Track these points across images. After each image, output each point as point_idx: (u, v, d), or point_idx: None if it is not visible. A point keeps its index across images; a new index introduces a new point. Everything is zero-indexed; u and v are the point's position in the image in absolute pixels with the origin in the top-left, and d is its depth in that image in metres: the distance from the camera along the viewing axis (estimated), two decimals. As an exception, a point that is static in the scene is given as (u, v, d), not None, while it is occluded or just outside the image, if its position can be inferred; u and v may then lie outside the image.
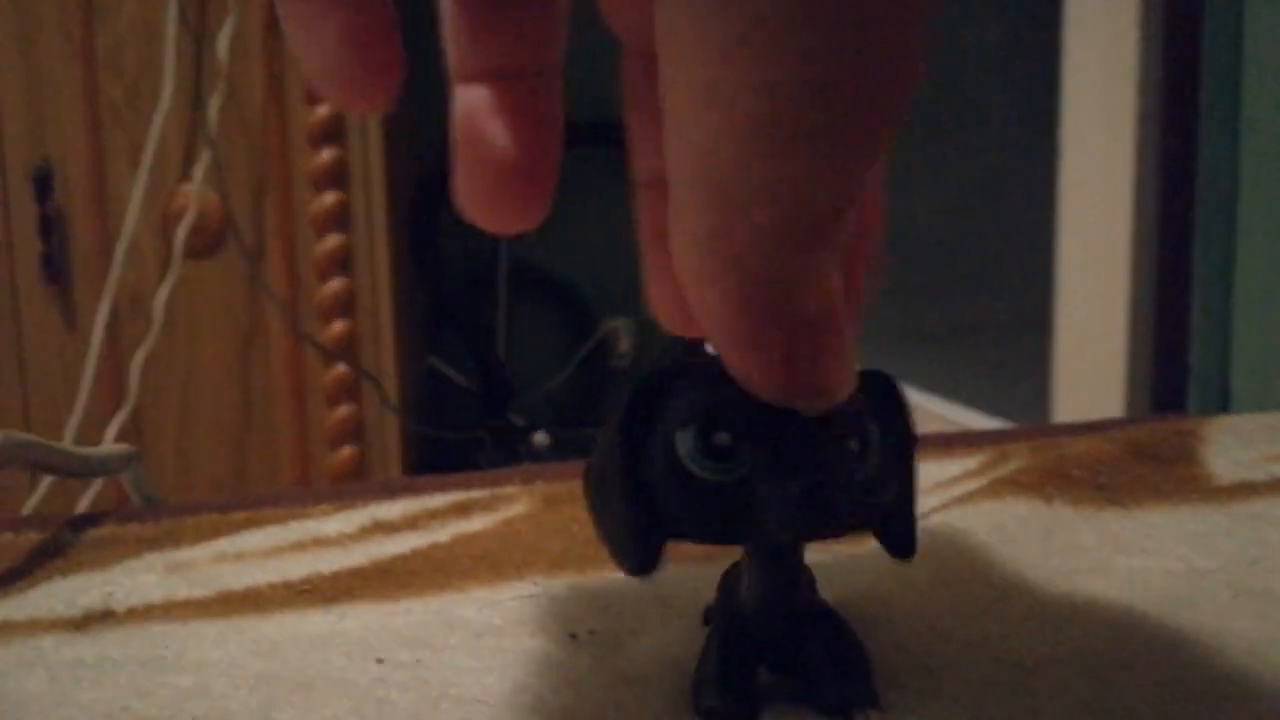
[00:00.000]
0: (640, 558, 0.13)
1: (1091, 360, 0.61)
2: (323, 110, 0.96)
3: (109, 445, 0.28)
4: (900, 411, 0.14)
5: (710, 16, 0.09)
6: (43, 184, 0.98)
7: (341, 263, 1.00)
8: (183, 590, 0.20)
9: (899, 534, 0.14)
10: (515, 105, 0.15)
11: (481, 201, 0.15)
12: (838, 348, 0.11)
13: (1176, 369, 0.55)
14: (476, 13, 0.15)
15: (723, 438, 0.12)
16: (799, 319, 0.11)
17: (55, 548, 0.23)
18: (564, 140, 0.15)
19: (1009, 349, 0.75)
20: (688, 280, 0.11)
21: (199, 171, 0.97)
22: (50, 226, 0.98)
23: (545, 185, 0.15)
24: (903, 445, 0.13)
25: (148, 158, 0.97)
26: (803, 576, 0.14)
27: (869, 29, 0.09)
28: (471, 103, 0.15)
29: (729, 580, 0.15)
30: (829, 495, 0.12)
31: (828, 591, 0.17)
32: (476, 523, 0.23)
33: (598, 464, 0.14)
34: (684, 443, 0.12)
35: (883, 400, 0.13)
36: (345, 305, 1.01)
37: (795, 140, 0.09)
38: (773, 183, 0.09)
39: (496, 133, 0.14)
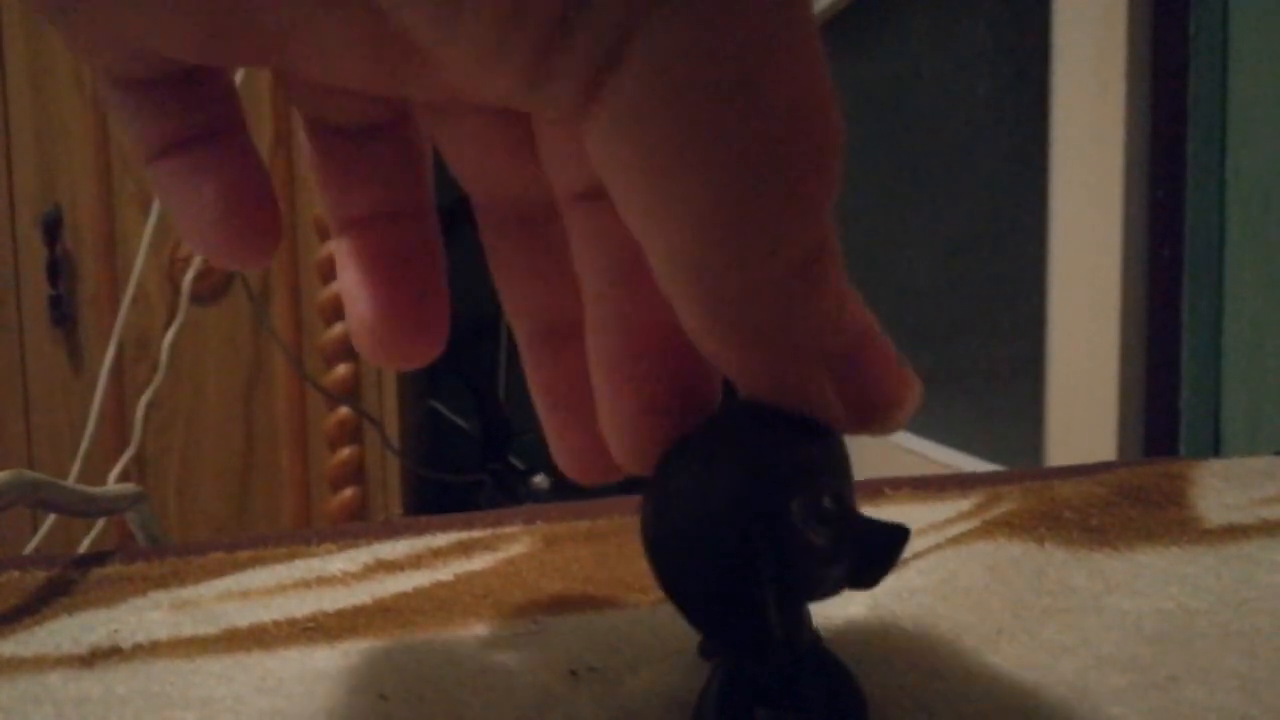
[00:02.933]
0: (786, 638, 0.12)
1: (1083, 404, 0.62)
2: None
3: (115, 485, 0.28)
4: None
5: (652, 189, 0.10)
6: (52, 228, 1.00)
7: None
8: (188, 628, 0.20)
9: (874, 563, 0.13)
10: (385, 250, 0.15)
11: (368, 348, 0.16)
12: (882, 364, 0.12)
13: (1168, 413, 0.56)
14: (338, 163, 0.15)
15: (829, 502, 0.12)
16: (832, 349, 0.11)
17: (62, 586, 0.23)
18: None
19: (1001, 393, 0.75)
20: (724, 358, 0.11)
21: (206, 216, 0.99)
22: (58, 270, 1.00)
23: (427, 323, 0.15)
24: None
25: (156, 204, 0.98)
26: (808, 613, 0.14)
27: (776, 175, 0.10)
28: (339, 258, 0.16)
29: None
30: (900, 545, 0.12)
31: (823, 628, 0.17)
32: (478, 562, 0.23)
33: (688, 517, 0.12)
34: (799, 512, 0.12)
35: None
36: (348, 349, 1.02)
37: (746, 222, 0.10)
38: (743, 254, 0.10)
39: (362, 291, 0.15)
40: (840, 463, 0.12)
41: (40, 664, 0.19)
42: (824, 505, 0.12)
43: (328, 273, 1.00)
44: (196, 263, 0.99)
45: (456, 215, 0.23)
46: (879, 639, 0.18)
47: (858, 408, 0.12)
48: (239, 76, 0.14)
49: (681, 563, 0.13)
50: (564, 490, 1.19)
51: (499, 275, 0.16)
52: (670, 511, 0.13)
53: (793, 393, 0.12)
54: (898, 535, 0.12)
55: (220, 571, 0.23)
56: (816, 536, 0.12)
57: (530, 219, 0.15)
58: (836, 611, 0.19)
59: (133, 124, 0.14)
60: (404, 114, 0.15)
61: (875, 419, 0.12)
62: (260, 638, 0.19)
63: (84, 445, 0.96)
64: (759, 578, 0.12)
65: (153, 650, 0.19)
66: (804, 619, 0.14)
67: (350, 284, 0.16)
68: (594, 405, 0.14)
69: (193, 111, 0.14)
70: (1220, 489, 0.26)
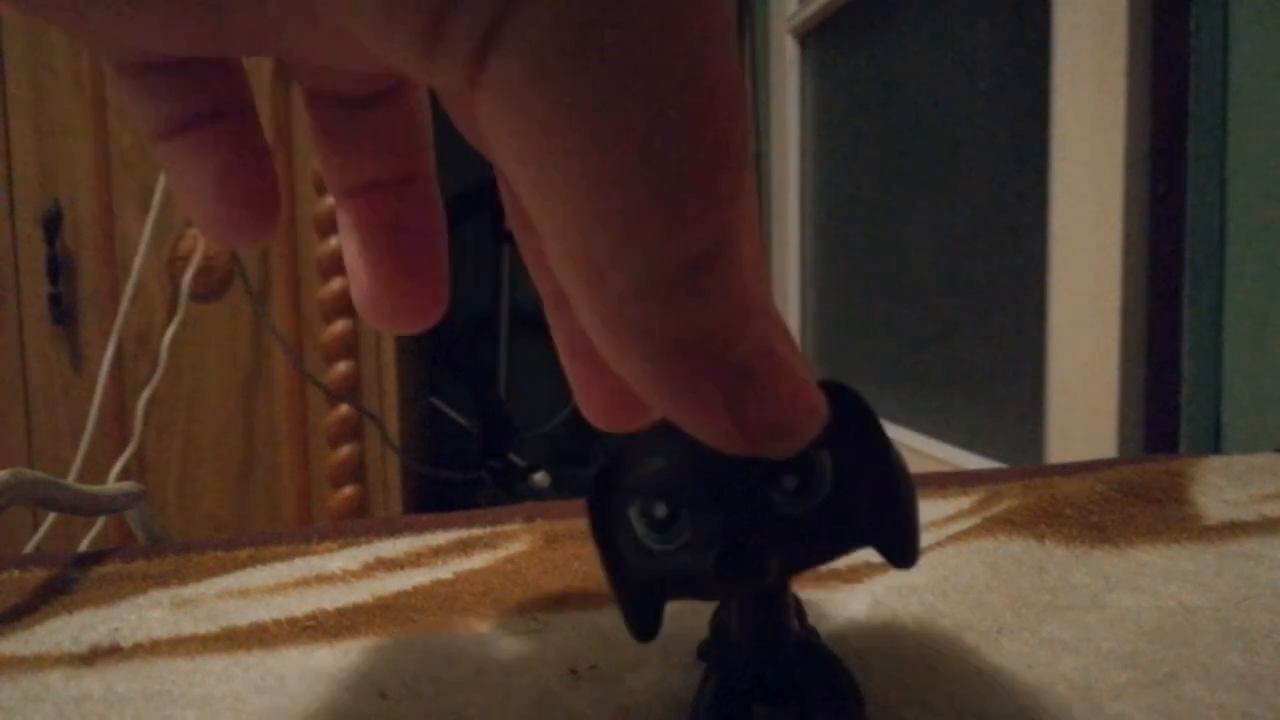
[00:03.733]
0: (641, 627, 0.13)
1: (1084, 401, 0.62)
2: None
3: (115, 483, 0.28)
4: (867, 423, 0.13)
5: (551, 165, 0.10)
6: (52, 226, 1.00)
7: (345, 305, 1.01)
8: (188, 626, 0.20)
9: (896, 544, 0.14)
10: (386, 219, 0.15)
11: (370, 315, 0.16)
12: (783, 388, 0.11)
13: (1168, 410, 0.56)
14: (338, 133, 0.15)
15: (660, 509, 0.12)
16: (726, 366, 0.10)
17: (62, 585, 0.23)
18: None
19: (1002, 390, 0.75)
20: (614, 361, 0.11)
21: (206, 214, 0.99)
22: (58, 268, 1.00)
23: (427, 289, 0.15)
24: (875, 455, 0.13)
25: (156, 201, 0.98)
26: (791, 610, 0.14)
27: (665, 151, 0.09)
28: (341, 227, 0.16)
29: (720, 618, 0.16)
30: (750, 548, 0.12)
31: (823, 627, 0.17)
32: (478, 560, 0.23)
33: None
34: (634, 518, 0.13)
35: (845, 413, 0.13)
36: (349, 347, 1.02)
37: (629, 210, 0.10)
38: (623, 250, 0.10)
39: (363, 259, 0.15)
40: (718, 474, 0.12)
41: (41, 663, 0.19)
42: (655, 514, 0.12)
43: (328, 269, 1.00)
44: (196, 261, 0.99)
45: (458, 211, 0.23)
46: (880, 636, 0.18)
47: (752, 427, 0.11)
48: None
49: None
50: (564, 488, 1.19)
51: (521, 237, 0.16)
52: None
53: (678, 405, 0.11)
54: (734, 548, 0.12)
55: (220, 570, 0.23)
56: (652, 541, 0.12)
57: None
58: (838, 609, 0.19)
59: (138, 107, 0.14)
60: (403, 83, 0.15)
61: (770, 441, 0.11)
62: (260, 636, 0.19)
63: (84, 443, 0.96)
64: (608, 573, 0.13)
65: (153, 649, 0.19)
66: (788, 616, 0.14)
67: (352, 252, 0.16)
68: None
69: (197, 93, 0.14)
70: (1221, 486, 0.26)
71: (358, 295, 0.16)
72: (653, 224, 0.10)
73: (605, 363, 0.14)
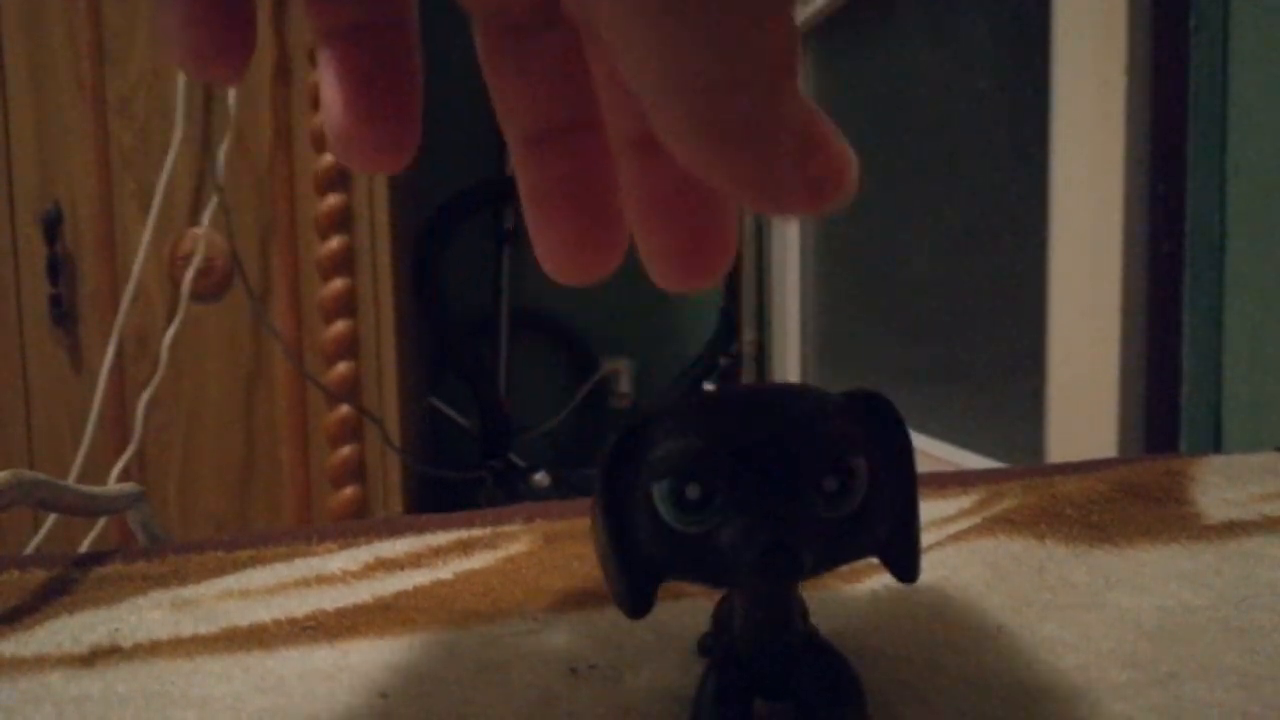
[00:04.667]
0: (633, 602, 0.13)
1: (1084, 400, 0.62)
2: (329, 158, 0.98)
3: (115, 484, 0.28)
4: (897, 434, 0.13)
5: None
6: (52, 226, 1.00)
7: (346, 306, 1.01)
8: (188, 627, 0.20)
9: (901, 557, 0.14)
10: (366, 60, 0.15)
11: (341, 150, 0.16)
12: (834, 147, 0.12)
13: (1168, 409, 0.56)
14: None
15: (693, 491, 0.12)
16: (793, 134, 0.12)
17: (62, 585, 0.23)
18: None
19: (1002, 390, 0.75)
20: (690, 152, 0.12)
21: (206, 216, 0.99)
22: (58, 268, 1.00)
23: (400, 127, 0.15)
24: (900, 469, 0.13)
25: (156, 202, 0.98)
26: (794, 607, 0.14)
27: None
28: (321, 68, 0.16)
29: (722, 612, 0.16)
30: (791, 547, 0.12)
31: (825, 624, 0.17)
32: (478, 560, 0.23)
33: (592, 509, 0.14)
34: (660, 495, 0.12)
35: (878, 424, 0.13)
36: (349, 347, 1.02)
37: (710, 27, 0.11)
38: (707, 57, 0.11)
39: (337, 96, 0.15)
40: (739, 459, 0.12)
41: (41, 663, 0.19)
42: (687, 495, 0.12)
43: (328, 270, 1.00)
44: (196, 261, 0.99)
45: (459, 210, 0.23)
46: (880, 634, 0.18)
47: (815, 182, 0.12)
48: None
49: (592, 534, 0.14)
50: (564, 488, 1.19)
51: (492, 82, 0.16)
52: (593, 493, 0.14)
53: (752, 179, 0.12)
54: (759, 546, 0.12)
55: (220, 570, 0.23)
56: (676, 521, 0.12)
57: (525, 26, 0.16)
58: (839, 606, 0.19)
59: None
60: None
61: (827, 195, 0.12)
62: (260, 637, 0.19)
63: (84, 444, 0.96)
64: (610, 546, 0.13)
65: (153, 649, 0.19)
66: (793, 614, 0.14)
67: (328, 89, 0.16)
68: (576, 204, 0.15)
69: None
70: (1221, 485, 0.26)
71: (332, 129, 0.16)
72: (730, 38, 0.11)
73: (567, 213, 0.15)
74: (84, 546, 0.93)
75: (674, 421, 0.13)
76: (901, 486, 0.13)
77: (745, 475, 0.12)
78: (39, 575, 0.23)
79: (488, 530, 0.25)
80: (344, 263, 1.00)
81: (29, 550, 0.90)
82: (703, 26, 0.11)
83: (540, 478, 1.22)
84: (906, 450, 0.14)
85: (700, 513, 0.12)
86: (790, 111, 0.12)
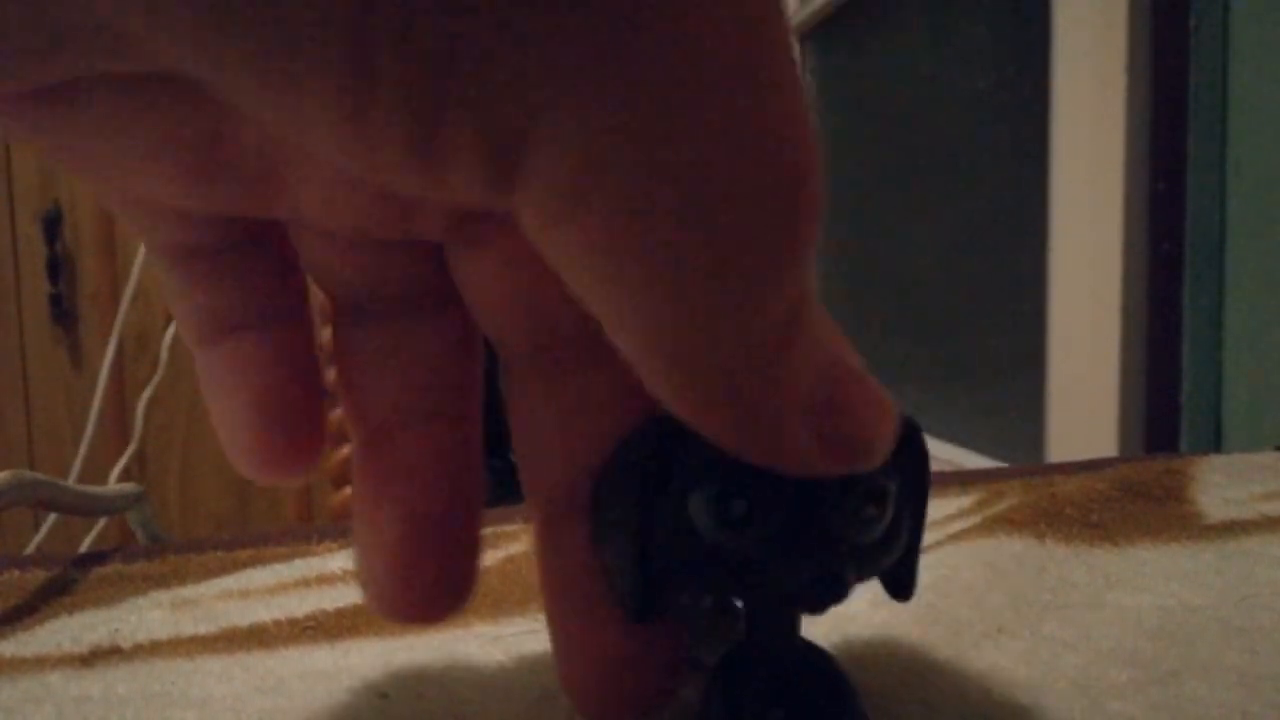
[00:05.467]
0: (641, 607, 0.13)
1: (1084, 400, 0.62)
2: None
3: (116, 484, 0.28)
4: (919, 459, 0.13)
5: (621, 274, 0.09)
6: (52, 226, 1.00)
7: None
8: (188, 627, 0.20)
9: (901, 576, 0.14)
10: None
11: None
12: (863, 398, 0.11)
13: (1168, 408, 0.56)
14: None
15: (739, 506, 0.12)
16: (812, 399, 0.11)
17: (62, 585, 0.23)
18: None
19: (1002, 389, 0.75)
20: (701, 426, 0.11)
21: (206, 214, 0.99)
22: (58, 268, 1.00)
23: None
24: (917, 492, 0.13)
25: (156, 201, 0.98)
26: (800, 619, 0.14)
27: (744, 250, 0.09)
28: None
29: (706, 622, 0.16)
30: (841, 574, 0.12)
31: (824, 625, 0.17)
32: (478, 560, 0.23)
33: (605, 500, 0.13)
34: (697, 505, 0.12)
35: (904, 446, 0.13)
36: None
37: (713, 295, 0.09)
38: (713, 330, 0.10)
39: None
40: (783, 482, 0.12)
41: (41, 664, 0.19)
42: (732, 510, 0.12)
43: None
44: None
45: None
46: (880, 635, 0.18)
47: (837, 448, 0.11)
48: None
49: (592, 519, 0.13)
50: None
51: (518, 436, 0.14)
52: (602, 481, 0.13)
53: (773, 451, 0.11)
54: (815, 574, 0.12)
55: (220, 570, 0.23)
56: (715, 534, 0.12)
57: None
58: (837, 608, 0.19)
59: (182, 301, 0.13)
60: (443, 288, 0.13)
61: (856, 458, 0.11)
62: (260, 637, 0.19)
63: (84, 443, 0.96)
64: (630, 544, 0.12)
65: (153, 649, 0.19)
66: (795, 623, 0.14)
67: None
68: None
69: (243, 290, 0.13)
70: (1221, 484, 0.26)
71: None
72: (739, 304, 0.09)
73: (588, 598, 0.13)
74: (84, 546, 0.93)
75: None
76: (915, 511, 0.13)
77: (794, 497, 0.12)
78: (39, 575, 0.23)
79: (488, 530, 0.25)
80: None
81: (29, 550, 0.90)
82: (686, 301, 0.09)
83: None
84: (925, 480, 0.13)
85: (742, 529, 0.12)
86: (811, 371, 0.10)
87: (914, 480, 0.13)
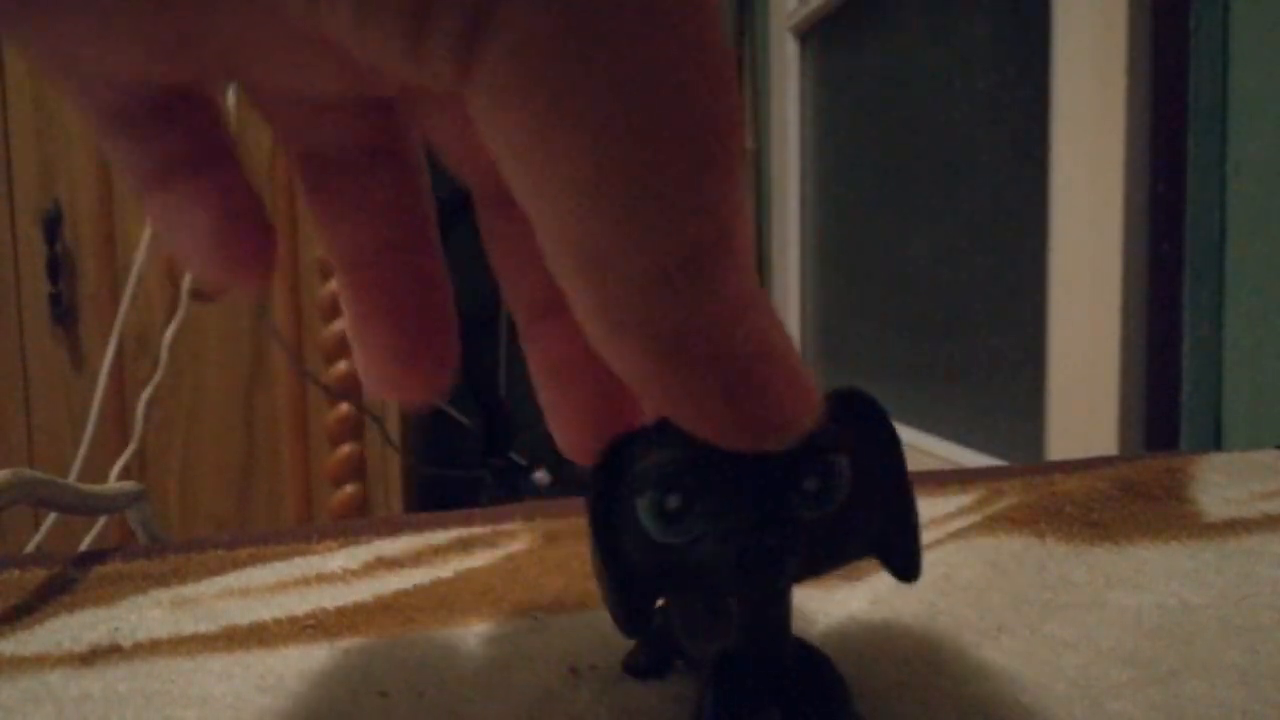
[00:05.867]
0: (629, 621, 0.13)
1: (1084, 398, 0.62)
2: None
3: (116, 483, 0.28)
4: (882, 430, 0.13)
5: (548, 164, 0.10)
6: (52, 226, 1.00)
7: (345, 303, 1.01)
8: (188, 626, 0.20)
9: (904, 556, 0.14)
10: (391, 287, 0.15)
11: (379, 388, 0.15)
12: (782, 378, 0.11)
13: (1169, 407, 0.56)
14: (334, 199, 0.15)
15: (673, 501, 0.12)
16: (724, 359, 0.11)
17: (62, 584, 0.23)
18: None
19: (1002, 388, 0.75)
20: (612, 356, 0.11)
21: (206, 214, 0.99)
22: (59, 268, 1.00)
23: (436, 359, 0.15)
24: (889, 465, 0.13)
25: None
26: (790, 613, 0.14)
27: (669, 131, 0.10)
28: (343, 297, 0.15)
29: (671, 627, 0.16)
30: (772, 550, 0.12)
31: (824, 625, 0.17)
32: (478, 558, 0.23)
33: (589, 523, 0.14)
34: (643, 509, 0.12)
35: (862, 421, 0.13)
36: (349, 346, 1.02)
37: (628, 204, 0.10)
38: (623, 244, 0.10)
39: (369, 330, 0.15)
40: (725, 467, 0.12)
41: (41, 662, 0.19)
42: (667, 505, 0.12)
43: (328, 270, 1.01)
44: (196, 260, 0.99)
45: (455, 209, 0.23)
46: (880, 634, 0.18)
47: (747, 422, 0.11)
48: (230, 101, 0.14)
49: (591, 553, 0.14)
50: (565, 486, 1.19)
51: (495, 258, 0.16)
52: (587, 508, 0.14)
53: (677, 398, 0.11)
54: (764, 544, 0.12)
55: (220, 569, 0.23)
56: (660, 534, 0.12)
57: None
58: (838, 607, 0.19)
59: (124, 158, 0.14)
60: (395, 138, 0.15)
61: (765, 436, 0.11)
62: (261, 635, 0.19)
63: (85, 443, 0.96)
64: (603, 564, 0.13)
65: (153, 648, 0.19)
66: (789, 620, 0.14)
67: (356, 323, 0.15)
68: (591, 379, 0.14)
69: (180, 140, 0.14)
70: (1221, 483, 0.26)
71: (365, 368, 0.15)
72: (651, 220, 0.10)
73: (581, 383, 0.14)
74: (84, 545, 0.93)
75: (656, 433, 0.12)
76: (893, 482, 0.13)
77: (722, 481, 0.12)
78: (39, 574, 0.23)
79: (488, 529, 0.25)
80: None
81: (29, 549, 0.90)
82: (607, 199, 0.10)
83: (541, 476, 1.22)
84: (894, 444, 0.13)
85: (679, 524, 0.12)
86: (725, 325, 0.10)
87: (881, 453, 0.13)
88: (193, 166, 0.14)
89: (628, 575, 0.13)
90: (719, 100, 0.10)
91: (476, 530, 0.25)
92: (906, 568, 0.14)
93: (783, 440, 0.11)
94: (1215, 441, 0.53)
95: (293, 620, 0.20)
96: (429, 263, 0.15)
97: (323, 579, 0.22)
